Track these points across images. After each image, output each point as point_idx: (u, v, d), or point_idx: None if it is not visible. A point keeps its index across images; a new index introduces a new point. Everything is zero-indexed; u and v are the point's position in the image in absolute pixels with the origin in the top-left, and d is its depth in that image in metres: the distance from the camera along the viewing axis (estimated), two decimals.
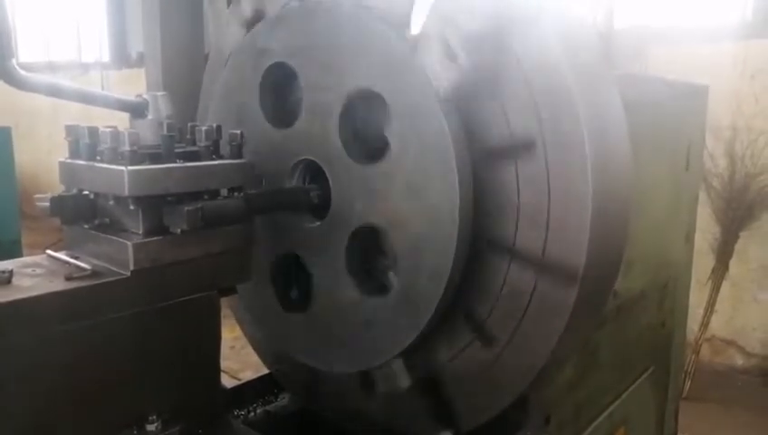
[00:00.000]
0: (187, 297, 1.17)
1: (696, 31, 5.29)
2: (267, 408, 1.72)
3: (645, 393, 2.35)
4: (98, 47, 10.31)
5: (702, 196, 5.00)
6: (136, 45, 9.83)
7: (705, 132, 2.70)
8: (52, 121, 11.06)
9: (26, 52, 12.15)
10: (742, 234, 5.01)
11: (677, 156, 2.41)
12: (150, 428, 1.12)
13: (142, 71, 9.13)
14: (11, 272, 1.03)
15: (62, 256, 1.18)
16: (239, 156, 1.23)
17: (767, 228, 4.99)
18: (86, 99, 1.14)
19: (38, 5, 11.77)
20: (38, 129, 11.00)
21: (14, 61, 0.99)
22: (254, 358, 1.81)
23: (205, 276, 1.19)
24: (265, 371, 1.81)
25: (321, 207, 1.33)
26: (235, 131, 1.23)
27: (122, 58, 10.17)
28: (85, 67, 10.73)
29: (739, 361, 5.30)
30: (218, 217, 1.16)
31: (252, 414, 1.71)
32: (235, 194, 1.22)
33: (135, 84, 9.47)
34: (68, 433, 1.03)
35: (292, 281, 1.41)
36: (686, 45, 5.20)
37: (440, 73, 1.14)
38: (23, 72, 1.03)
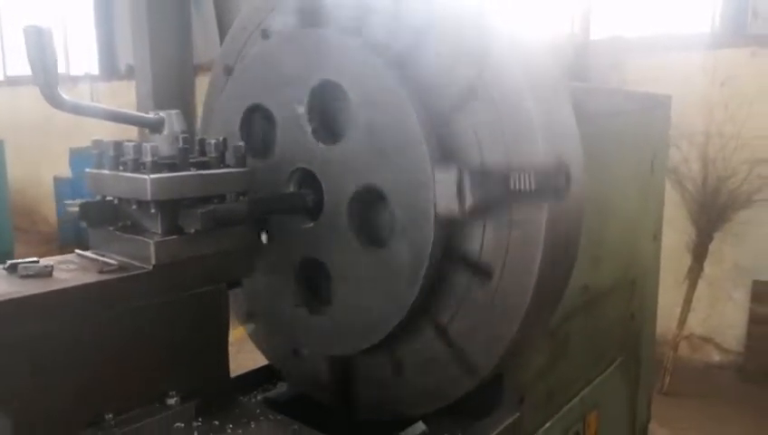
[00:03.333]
0: (201, 289, 1.34)
1: (668, 41, 5.53)
2: (266, 395, 1.88)
3: (616, 381, 2.53)
4: (87, 60, 10.43)
5: (677, 198, 5.27)
6: (125, 58, 9.96)
7: (668, 139, 2.90)
8: (41, 135, 11.16)
9: (15, 66, 12.23)
10: (716, 235, 5.23)
11: (642, 161, 2.61)
12: (170, 402, 1.28)
13: (131, 83, 9.29)
14: (52, 266, 1.20)
15: (89, 254, 1.35)
16: (243, 165, 1.40)
17: (739, 229, 5.22)
18: (112, 117, 1.31)
19: (26, 20, 11.85)
20: (27, 143, 11.08)
21: (58, 87, 1.15)
22: (248, 362, 1.95)
23: (215, 271, 1.36)
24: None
25: (316, 210, 1.50)
26: (239, 144, 1.41)
27: (111, 71, 10.30)
28: (74, 80, 10.84)
29: (716, 357, 5.51)
30: (227, 218, 1.33)
31: (252, 401, 1.87)
32: (240, 198, 1.39)
33: (124, 96, 9.61)
34: (103, 402, 1.19)
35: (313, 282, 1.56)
36: (660, 55, 5.45)
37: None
38: (65, 97, 1.19)
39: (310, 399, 1.81)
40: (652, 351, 3.07)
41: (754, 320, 5.21)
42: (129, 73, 9.61)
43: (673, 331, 5.24)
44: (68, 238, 9.27)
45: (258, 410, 1.36)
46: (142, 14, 7.80)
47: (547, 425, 1.99)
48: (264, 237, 1.54)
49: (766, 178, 5.01)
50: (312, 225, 1.50)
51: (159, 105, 8.01)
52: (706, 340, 5.53)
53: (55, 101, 1.17)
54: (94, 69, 10.56)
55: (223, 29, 8.52)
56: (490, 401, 1.74)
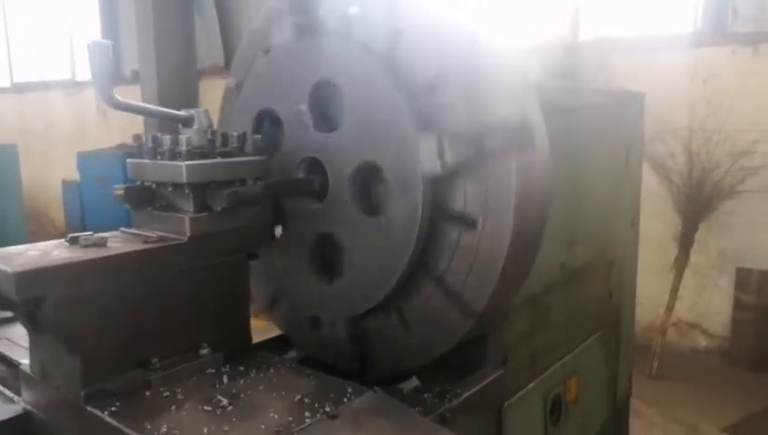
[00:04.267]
0: (225, 258, 1.59)
1: (653, 41, 5.78)
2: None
3: (595, 352, 2.78)
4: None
5: (663, 190, 5.52)
6: (129, 64, 10.22)
7: (643, 132, 3.14)
8: (47, 141, 11.45)
9: (22, 73, 12.50)
10: (701, 225, 5.47)
11: (617, 153, 2.85)
12: (203, 352, 1.53)
13: (136, 87, 9.54)
14: (106, 238, 1.45)
15: (132, 230, 1.60)
16: (261, 153, 1.65)
17: (724, 219, 5.46)
18: (155, 114, 1.56)
19: (31, 27, 12.14)
20: (32, 148, 11.35)
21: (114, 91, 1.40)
22: None
23: (237, 243, 1.61)
24: None
25: (322, 192, 1.74)
26: (256, 136, 1.66)
27: (117, 76, 10.57)
28: (80, 86, 11.12)
29: (703, 342, 5.75)
30: (247, 198, 1.58)
31: None
32: (258, 182, 1.64)
33: (130, 100, 9.86)
34: (149, 349, 1.44)
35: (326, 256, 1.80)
36: (645, 54, 5.70)
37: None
38: (119, 98, 1.44)
39: (318, 362, 2.05)
40: (632, 328, 3.31)
41: (738, 306, 5.45)
42: (134, 79, 9.86)
43: (661, 317, 5.48)
44: None
45: (276, 360, 1.61)
46: (148, 22, 8.08)
47: (530, 385, 2.23)
48: (278, 231, 1.79)
49: (748, 170, 5.24)
50: (320, 205, 1.75)
51: (165, 107, 8.27)
52: (693, 326, 5.77)
53: (112, 102, 1.42)
54: None
55: (226, 35, 8.80)
56: (477, 361, 1.98)
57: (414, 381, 1.88)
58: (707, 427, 4.44)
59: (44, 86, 11.76)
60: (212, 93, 8.94)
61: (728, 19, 5.38)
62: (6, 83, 12.64)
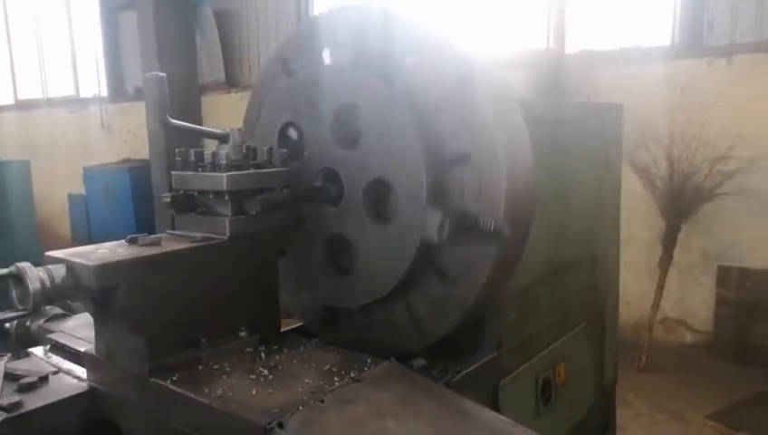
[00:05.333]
0: (258, 255, 1.86)
1: (634, 54, 6.12)
2: None
3: (580, 341, 3.05)
4: (96, 84, 10.98)
5: (647, 195, 5.82)
6: (132, 81, 10.52)
7: (621, 140, 3.44)
8: (51, 156, 11.68)
9: (25, 90, 12.75)
10: (684, 226, 5.76)
11: (597, 159, 3.15)
12: (242, 334, 1.80)
13: (139, 103, 9.80)
14: (160, 238, 1.73)
15: (177, 232, 1.88)
16: (286, 165, 1.93)
17: (704, 221, 5.75)
18: (198, 133, 1.84)
19: (35, 44, 12.41)
20: (37, 162, 11.61)
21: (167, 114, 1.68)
22: None
23: (268, 241, 1.89)
24: None
25: (338, 198, 2.02)
26: (283, 150, 1.94)
27: (120, 93, 10.85)
28: (83, 102, 11.40)
29: (688, 337, 6.04)
30: (277, 203, 1.86)
31: None
32: (284, 189, 1.92)
33: (133, 116, 10.17)
34: (198, 330, 1.71)
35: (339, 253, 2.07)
36: (627, 67, 6.03)
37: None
38: (172, 120, 1.72)
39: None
40: (616, 321, 3.59)
41: (720, 302, 5.75)
42: (137, 95, 10.15)
43: (648, 314, 5.77)
44: None
45: (304, 340, 1.88)
46: (151, 40, 8.37)
47: (522, 368, 2.50)
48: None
49: (725, 174, 5.55)
50: (335, 209, 2.02)
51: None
52: (679, 322, 6.07)
53: (166, 125, 1.69)
54: (100, 91, 11.12)
55: (226, 52, 9.11)
56: (474, 346, 2.26)
57: (421, 361, 2.15)
58: (693, 415, 4.72)
59: (48, 103, 12.03)
60: (213, 108, 9.24)
61: (703, 33, 5.72)
62: (11, 101, 12.89)
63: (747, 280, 5.61)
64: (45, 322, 2.30)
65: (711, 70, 5.65)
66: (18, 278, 1.50)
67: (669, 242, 5.77)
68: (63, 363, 1.98)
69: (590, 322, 3.13)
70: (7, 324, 2.37)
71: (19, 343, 2.32)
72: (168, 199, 1.86)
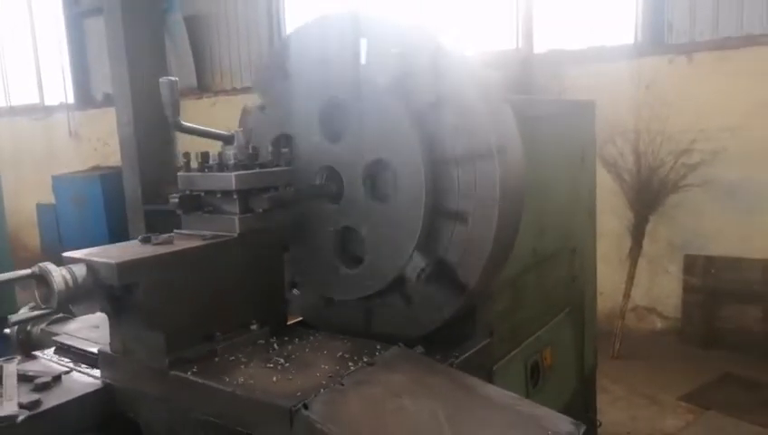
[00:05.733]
0: (266, 251, 1.94)
1: (600, 52, 6.34)
2: None
3: (564, 327, 3.20)
4: (62, 91, 10.79)
5: (616, 188, 6.04)
6: (100, 87, 10.37)
7: (595, 136, 3.61)
8: (16, 166, 11.42)
9: None
10: (651, 217, 5.97)
11: (573, 154, 3.30)
12: (253, 327, 1.88)
13: (107, 110, 9.68)
14: (173, 237, 1.79)
15: (185, 231, 1.94)
16: (290, 165, 2.01)
17: (670, 212, 5.98)
18: (207, 134, 1.90)
19: None
20: (3, 173, 11.33)
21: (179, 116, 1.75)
22: None
23: (273, 238, 1.97)
24: None
25: (338, 196, 2.11)
26: (285, 150, 2.02)
27: (87, 99, 10.68)
28: (48, 110, 11.18)
29: (658, 324, 6.28)
30: (282, 201, 1.94)
31: None
32: (288, 188, 2.00)
33: (101, 123, 10.04)
34: (212, 324, 1.78)
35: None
36: (593, 65, 6.25)
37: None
38: (183, 123, 1.78)
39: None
40: (594, 309, 3.76)
41: (687, 289, 6.00)
42: (105, 102, 10.02)
43: (620, 304, 5.99)
44: (52, 262, 9.58)
45: (311, 331, 1.96)
46: (120, 46, 8.28)
47: (512, 353, 2.62)
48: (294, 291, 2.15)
49: (689, 167, 5.79)
50: (337, 206, 2.11)
51: (140, 130, 8.49)
52: (649, 310, 6.30)
53: (178, 126, 1.76)
54: (66, 98, 10.92)
55: (197, 58, 9.07)
56: (468, 334, 2.37)
57: (420, 349, 2.25)
58: (665, 397, 4.93)
59: (11, 111, 11.77)
60: (184, 113, 9.15)
61: (664, 32, 5.97)
62: None
63: (712, 267, 5.87)
64: (48, 325, 2.33)
65: (673, 67, 5.89)
66: (41, 278, 1.55)
67: (638, 233, 5.98)
68: (72, 364, 2.03)
69: (571, 309, 3.29)
70: (7, 329, 2.39)
71: (21, 347, 2.35)
72: (176, 200, 1.92)
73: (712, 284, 5.84)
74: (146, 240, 1.79)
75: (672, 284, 6.14)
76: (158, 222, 8.13)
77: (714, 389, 5.07)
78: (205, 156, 1.93)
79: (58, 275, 1.53)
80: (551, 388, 2.94)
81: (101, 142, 10.21)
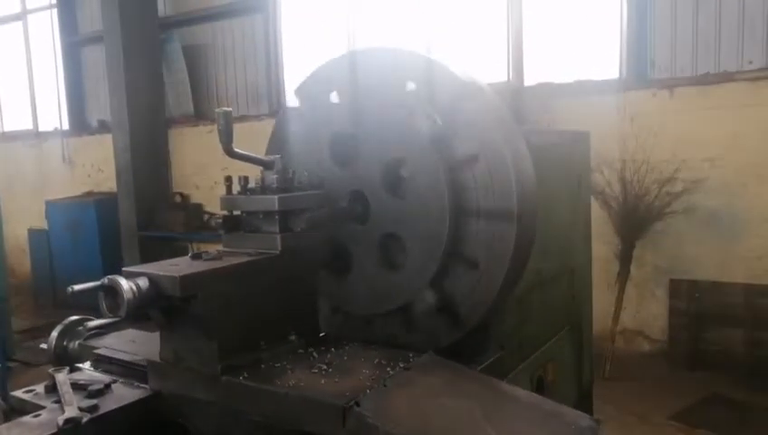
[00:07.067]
0: (303, 267, 2.10)
1: (587, 86, 6.67)
2: None
3: (565, 343, 3.38)
4: (57, 117, 10.89)
5: (604, 215, 6.30)
6: (96, 114, 10.50)
7: (590, 164, 3.85)
8: (7, 190, 11.42)
9: None
10: (637, 243, 6.23)
11: (571, 181, 3.53)
12: (292, 338, 2.03)
13: (102, 137, 9.79)
14: (221, 253, 1.95)
15: (227, 249, 2.10)
16: (322, 188, 2.19)
17: (656, 238, 6.25)
18: (251, 160, 2.07)
19: None
20: None
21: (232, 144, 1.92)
22: None
23: (310, 255, 2.13)
24: None
25: (364, 215, 2.28)
26: (319, 175, 2.20)
27: (82, 126, 10.79)
28: (42, 136, 11.25)
29: (646, 346, 6.49)
30: (320, 222, 2.11)
31: None
32: (322, 209, 2.17)
33: (95, 149, 10.14)
34: (257, 334, 1.93)
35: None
36: (581, 98, 6.57)
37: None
38: (236, 150, 1.95)
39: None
40: (590, 327, 3.96)
41: (673, 313, 6.24)
42: (100, 128, 10.14)
43: (610, 327, 6.20)
44: (43, 288, 9.53)
45: (345, 342, 2.12)
46: (120, 74, 8.46)
47: (519, 367, 2.79)
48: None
49: (673, 195, 6.09)
50: (362, 227, 2.28)
51: (136, 155, 8.64)
52: (637, 333, 6.52)
53: (231, 154, 1.93)
54: (60, 124, 11.01)
55: (194, 87, 9.27)
56: (481, 347, 2.54)
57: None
58: (656, 417, 5.12)
59: (4, 137, 11.81)
60: (181, 140, 9.35)
61: (647, 68, 6.32)
62: None
63: (696, 291, 6.12)
64: (85, 340, 2.45)
65: (656, 101, 6.22)
66: (109, 289, 1.70)
67: (625, 258, 6.23)
68: (113, 375, 2.15)
69: (571, 326, 3.47)
70: (44, 345, 2.51)
71: (57, 361, 2.46)
72: (220, 220, 2.08)
73: (696, 307, 6.09)
74: (196, 256, 1.94)
75: (658, 307, 6.37)
76: (152, 248, 8.23)
77: (702, 409, 5.27)
78: (245, 180, 2.09)
79: (126, 286, 1.67)
80: (553, 400, 3.10)
81: (95, 168, 10.29)
